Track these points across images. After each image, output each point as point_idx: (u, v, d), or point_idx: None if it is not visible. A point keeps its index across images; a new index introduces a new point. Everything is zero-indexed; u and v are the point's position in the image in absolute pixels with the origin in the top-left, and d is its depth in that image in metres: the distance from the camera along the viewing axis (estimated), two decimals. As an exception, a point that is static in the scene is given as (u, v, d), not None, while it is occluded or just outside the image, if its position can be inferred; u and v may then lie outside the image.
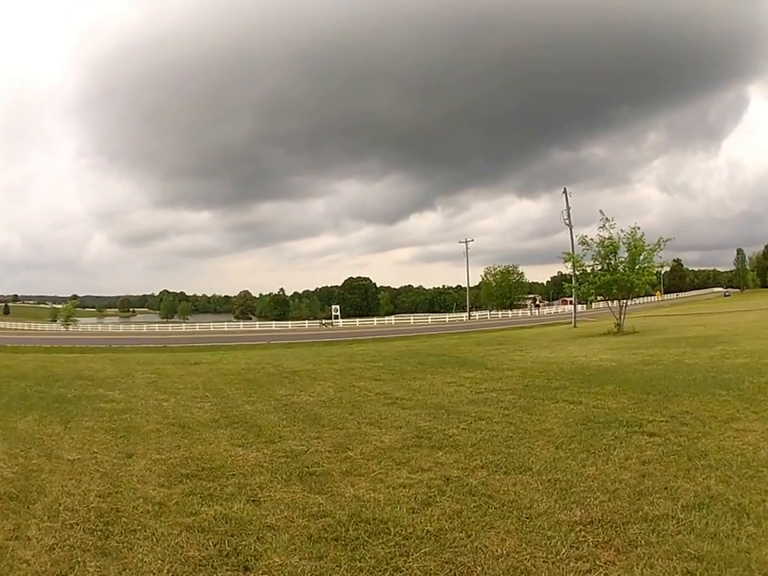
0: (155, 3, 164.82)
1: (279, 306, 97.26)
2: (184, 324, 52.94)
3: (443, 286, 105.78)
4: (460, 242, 45.43)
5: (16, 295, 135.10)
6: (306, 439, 3.67)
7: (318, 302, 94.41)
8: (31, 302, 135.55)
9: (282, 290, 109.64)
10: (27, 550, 2.07)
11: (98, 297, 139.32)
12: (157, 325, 51.06)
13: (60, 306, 55.45)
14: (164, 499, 2.67)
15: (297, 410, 4.78)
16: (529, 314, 42.33)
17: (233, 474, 3.01)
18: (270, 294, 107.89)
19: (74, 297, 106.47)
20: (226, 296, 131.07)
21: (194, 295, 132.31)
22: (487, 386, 5.56)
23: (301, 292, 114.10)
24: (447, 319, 39.80)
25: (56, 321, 45.74)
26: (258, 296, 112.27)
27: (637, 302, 14.97)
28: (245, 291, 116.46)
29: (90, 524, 2.37)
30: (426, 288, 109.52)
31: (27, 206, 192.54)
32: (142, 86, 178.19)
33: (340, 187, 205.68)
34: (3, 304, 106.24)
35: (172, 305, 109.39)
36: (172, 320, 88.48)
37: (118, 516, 2.47)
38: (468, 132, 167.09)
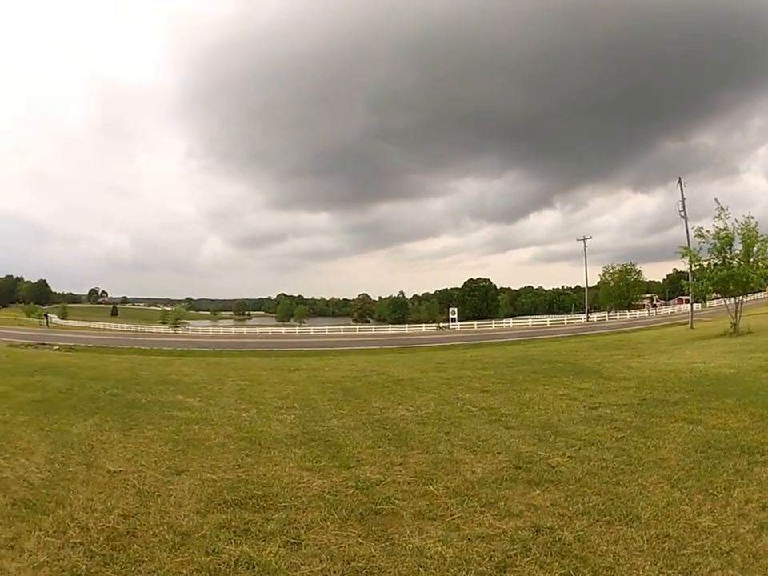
0: None
1: (398, 309, 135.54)
2: (298, 328, 70.52)
3: (562, 287, 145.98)
4: (578, 240, 62.62)
5: (125, 297, 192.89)
6: (386, 465, 4.32)
7: (437, 305, 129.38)
8: (141, 303, 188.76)
9: (401, 292, 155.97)
10: (13, 563, 2.68)
11: (212, 299, 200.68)
12: (270, 328, 67.54)
13: (170, 309, 75.12)
14: (191, 529, 3.19)
15: (387, 427, 5.77)
16: (646, 315, 56.61)
17: (284, 506, 3.51)
18: (389, 296, 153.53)
19: (188, 299, 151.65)
20: (344, 299, 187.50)
21: (312, 298, 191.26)
22: (602, 399, 6.97)
23: (420, 294, 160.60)
24: (565, 321, 53.60)
25: (165, 323, 64.49)
26: (377, 299, 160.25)
27: (746, 298, 19.05)
28: (363, 294, 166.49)
29: (96, 546, 2.92)
30: (546, 289, 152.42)
31: (136, 207, 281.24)
32: (247, 84, 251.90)
33: (459, 185, 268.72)
34: (111, 306, 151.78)
35: (289, 308, 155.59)
36: (288, 323, 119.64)
37: (131, 542, 2.99)
38: (578, 122, 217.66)
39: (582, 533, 3.03)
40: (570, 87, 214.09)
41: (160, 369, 13.29)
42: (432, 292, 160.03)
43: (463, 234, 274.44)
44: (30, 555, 2.80)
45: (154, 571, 2.62)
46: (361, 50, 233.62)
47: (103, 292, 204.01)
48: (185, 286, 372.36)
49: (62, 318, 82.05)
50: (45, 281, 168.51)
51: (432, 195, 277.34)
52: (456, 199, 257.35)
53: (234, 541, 2.99)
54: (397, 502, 3.53)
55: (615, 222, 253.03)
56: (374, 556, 2.72)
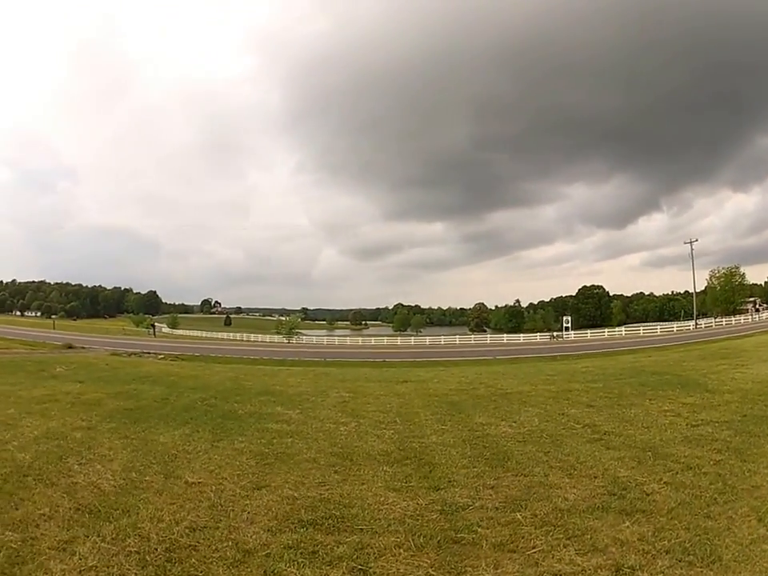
0: (342, 10, 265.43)
1: (514, 318, 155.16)
2: (413, 338, 79.22)
3: (672, 292, 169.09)
4: (684, 243, 75.69)
5: (239, 307, 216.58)
6: (477, 488, 4.68)
7: (552, 313, 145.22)
8: (256, 314, 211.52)
9: (517, 300, 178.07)
10: (60, 564, 3.07)
11: (329, 310, 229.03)
12: (385, 338, 74.91)
13: (285, 318, 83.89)
14: (256, 547, 3.44)
15: (487, 445, 6.29)
16: (750, 320, 65.43)
17: (360, 529, 3.75)
18: (505, 305, 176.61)
19: (304, 309, 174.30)
20: (461, 308, 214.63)
21: (429, 308, 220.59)
22: (705, 416, 7.69)
23: (536, 302, 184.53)
24: (675, 329, 61.49)
25: (279, 333, 69.91)
26: (493, 307, 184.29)
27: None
28: (480, 303, 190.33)
29: (151, 557, 3.24)
30: (656, 295, 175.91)
31: (248, 220, 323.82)
32: (350, 97, 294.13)
33: (569, 191, 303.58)
34: (224, 316, 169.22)
35: (405, 318, 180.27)
36: (404, 333, 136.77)
37: (190, 555, 3.28)
38: (676, 122, 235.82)
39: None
40: (664, 86, 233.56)
41: (265, 379, 14.33)
42: (547, 300, 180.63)
43: (576, 240, 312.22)
44: (80, 559, 3.17)
45: (208, 590, 2.79)
46: (456, 59, 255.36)
47: (216, 302, 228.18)
48: (301, 297, 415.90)
49: (172, 328, 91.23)
50: (155, 292, 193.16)
51: (544, 202, 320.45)
52: (567, 205, 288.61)
53: (298, 563, 3.21)
54: (479, 530, 3.72)
55: (718, 223, 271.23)
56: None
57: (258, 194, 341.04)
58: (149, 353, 25.03)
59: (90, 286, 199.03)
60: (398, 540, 3.53)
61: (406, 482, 4.79)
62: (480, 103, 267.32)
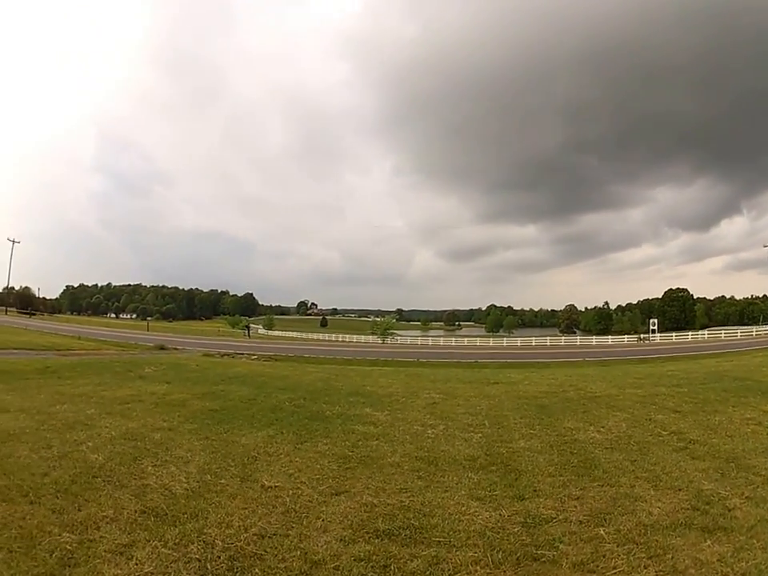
0: (432, 16, 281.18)
1: (602, 320, 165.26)
2: (505, 339, 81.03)
3: (751, 296, 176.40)
4: (764, 246, 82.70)
5: (335, 308, 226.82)
6: (562, 499, 4.62)
7: (639, 315, 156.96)
8: (352, 315, 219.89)
9: (606, 303, 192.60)
10: (115, 568, 3.05)
11: (423, 310, 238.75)
12: (478, 339, 77.17)
13: (380, 319, 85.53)
14: (325, 558, 3.31)
15: (574, 452, 6.28)
16: None
17: (438, 541, 3.61)
18: (594, 307, 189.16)
19: (399, 310, 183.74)
20: (552, 310, 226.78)
21: (522, 309, 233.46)
22: None
23: (624, 305, 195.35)
24: (754, 333, 64.48)
25: (374, 333, 71.28)
26: (583, 309, 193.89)
27: None
28: (570, 305, 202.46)
29: (213, 565, 3.17)
30: (737, 298, 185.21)
31: (344, 223, 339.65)
32: (442, 101, 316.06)
33: (654, 194, 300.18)
34: (320, 317, 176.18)
35: (498, 319, 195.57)
36: (497, 334, 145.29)
37: (253, 565, 3.19)
38: (756, 125, 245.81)
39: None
40: (744, 90, 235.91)
41: (356, 380, 14.44)
42: (634, 302, 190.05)
43: (662, 243, 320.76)
44: (137, 564, 3.13)
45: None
46: (546, 64, 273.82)
47: (312, 304, 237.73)
48: (395, 298, 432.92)
49: (268, 329, 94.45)
50: (251, 294, 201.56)
51: (631, 205, 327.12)
52: (652, 208, 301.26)
53: None
54: (561, 546, 3.65)
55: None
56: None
57: (354, 196, 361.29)
58: (242, 353, 25.70)
59: (186, 289, 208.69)
60: (476, 555, 3.42)
61: (490, 491, 4.70)
62: (569, 107, 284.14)
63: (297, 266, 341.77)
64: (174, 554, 3.35)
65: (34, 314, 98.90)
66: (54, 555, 3.34)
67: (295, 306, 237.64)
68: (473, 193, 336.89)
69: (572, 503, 4.53)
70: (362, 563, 3.26)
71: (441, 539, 3.66)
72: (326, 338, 73.89)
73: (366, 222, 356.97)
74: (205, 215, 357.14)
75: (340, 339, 70.61)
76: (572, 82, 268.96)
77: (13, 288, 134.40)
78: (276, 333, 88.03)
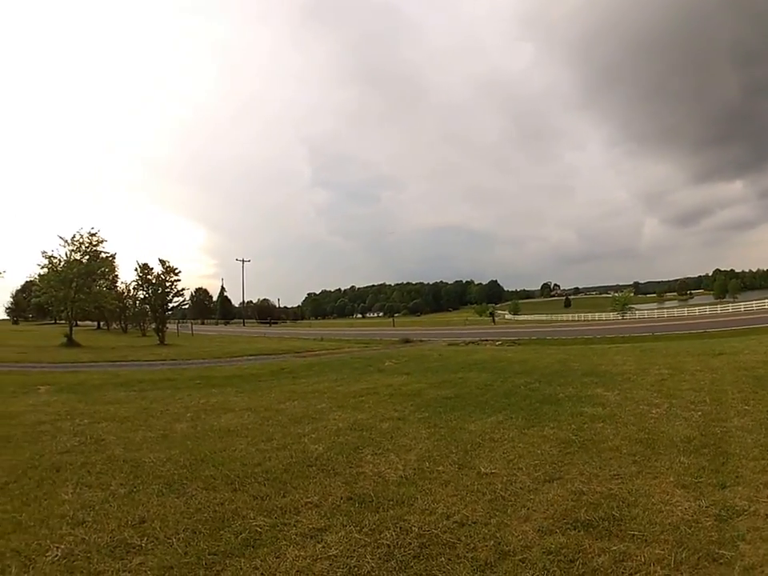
0: None
1: None
2: (730, 305, 71.36)
3: None
4: None
5: (576, 288, 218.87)
6: (758, 487, 4.04)
7: None
8: (593, 292, 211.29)
9: None
10: (300, 550, 3.18)
11: (657, 282, 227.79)
12: (708, 307, 68.70)
13: (617, 294, 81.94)
14: (515, 551, 3.15)
15: None
16: None
17: (632, 536, 3.32)
18: None
19: (635, 284, 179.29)
20: None
21: (742, 271, 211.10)
22: None
23: None
24: None
25: (614, 310, 66.73)
26: None
27: None
28: None
29: (401, 552, 3.15)
30: None
31: (572, 201, 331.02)
32: (632, 63, 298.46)
33: None
34: (564, 297, 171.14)
35: (722, 284, 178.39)
36: (723, 300, 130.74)
37: (441, 554, 3.13)
38: None
39: None
40: None
41: (593, 359, 13.79)
42: None
43: None
44: (323, 548, 3.21)
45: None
46: (725, 12, 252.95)
47: (555, 285, 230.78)
48: (630, 271, 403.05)
49: (514, 314, 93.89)
50: (495, 281, 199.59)
51: None
52: None
53: (549, 572, 2.92)
54: (741, 545, 3.17)
55: None
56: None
57: (576, 173, 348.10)
58: (486, 340, 25.72)
59: (430, 283, 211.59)
60: (661, 553, 3.07)
61: (696, 477, 4.26)
62: (745, 54, 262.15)
63: (536, 249, 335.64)
64: (366, 539, 3.37)
65: (275, 323, 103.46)
66: (239, 537, 3.47)
67: (539, 288, 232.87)
68: (681, 154, 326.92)
69: (765, 493, 3.95)
70: (550, 556, 3.05)
71: (636, 532, 3.35)
72: (569, 319, 71.29)
73: (591, 197, 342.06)
74: (439, 210, 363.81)
75: (581, 318, 68.21)
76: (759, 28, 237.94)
77: (251, 301, 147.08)
78: (522, 317, 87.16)
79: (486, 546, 3.21)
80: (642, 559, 3.03)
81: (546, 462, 4.90)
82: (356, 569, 3.00)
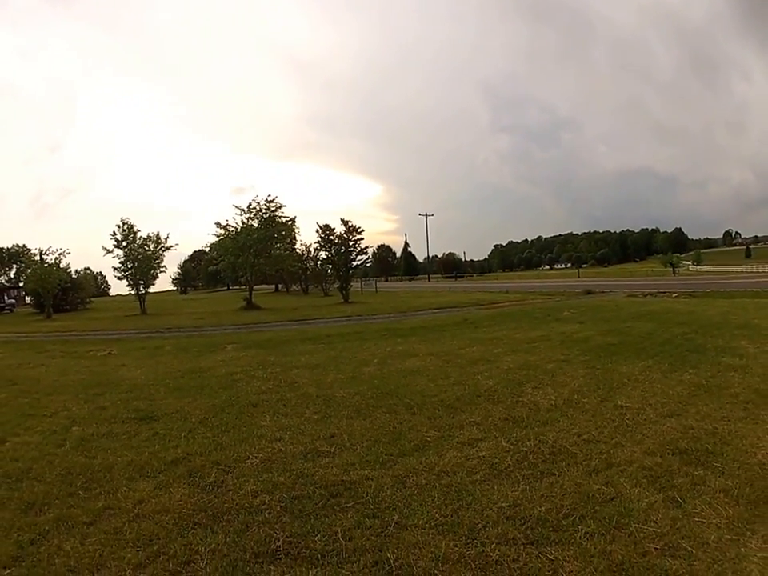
0: None
1: None
2: None
3: None
4: None
5: (756, 236, 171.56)
6: None
7: None
8: None
9: None
10: (458, 453, 3.76)
11: None
12: None
13: None
14: (620, 462, 3.53)
15: None
16: None
17: (716, 467, 3.37)
18: None
19: None
20: None
21: None
22: None
23: None
24: None
25: None
26: None
27: None
28: None
29: (534, 455, 3.63)
30: None
31: (747, 139, 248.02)
32: None
33: None
34: (745, 247, 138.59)
35: None
36: None
37: (563, 459, 3.56)
38: None
39: None
40: None
41: (751, 313, 12.53)
42: None
43: None
44: (475, 450, 3.87)
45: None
46: None
47: (737, 233, 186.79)
48: None
49: (697, 265, 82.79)
50: (680, 229, 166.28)
51: None
52: None
53: (641, 484, 3.18)
54: None
55: None
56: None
57: (749, 106, 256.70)
58: (664, 292, 23.46)
59: (617, 232, 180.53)
60: (730, 485, 3.14)
61: None
62: None
63: (716, 193, 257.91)
64: (510, 446, 3.92)
65: (461, 277, 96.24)
66: (412, 443, 4.09)
67: (720, 237, 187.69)
68: None
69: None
70: (644, 471, 3.35)
71: (719, 464, 3.43)
72: (747, 270, 60.17)
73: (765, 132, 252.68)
74: (622, 152, 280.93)
75: (759, 270, 57.23)
76: None
77: (436, 256, 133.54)
78: (705, 268, 76.33)
79: (600, 457, 3.62)
80: (714, 486, 3.14)
81: (673, 400, 5.03)
82: (497, 464, 3.60)
